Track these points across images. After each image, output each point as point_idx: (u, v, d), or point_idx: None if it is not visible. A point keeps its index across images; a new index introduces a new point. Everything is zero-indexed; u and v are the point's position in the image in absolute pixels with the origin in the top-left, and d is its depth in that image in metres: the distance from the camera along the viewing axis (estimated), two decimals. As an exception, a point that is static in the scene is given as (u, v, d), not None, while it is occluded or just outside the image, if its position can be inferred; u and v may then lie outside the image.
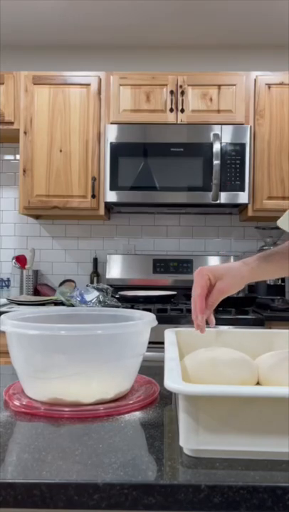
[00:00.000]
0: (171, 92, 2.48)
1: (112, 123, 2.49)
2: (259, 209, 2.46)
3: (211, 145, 2.39)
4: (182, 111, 2.48)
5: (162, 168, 2.41)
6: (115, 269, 2.74)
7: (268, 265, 0.98)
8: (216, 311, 2.17)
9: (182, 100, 2.48)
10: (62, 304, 2.32)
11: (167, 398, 0.88)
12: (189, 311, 2.18)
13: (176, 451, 0.64)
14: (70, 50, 2.90)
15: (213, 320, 0.97)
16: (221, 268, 0.96)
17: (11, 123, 2.55)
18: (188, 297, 2.47)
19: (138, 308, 1.86)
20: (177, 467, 0.59)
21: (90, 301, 2.22)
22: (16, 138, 2.61)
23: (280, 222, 1.02)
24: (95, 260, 2.83)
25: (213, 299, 0.94)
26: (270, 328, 2.07)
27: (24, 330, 0.79)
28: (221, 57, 2.87)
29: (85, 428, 0.73)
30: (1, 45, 2.87)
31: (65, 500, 0.55)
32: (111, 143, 2.43)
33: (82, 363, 0.80)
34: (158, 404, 0.84)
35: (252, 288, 2.64)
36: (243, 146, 2.40)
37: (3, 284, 2.80)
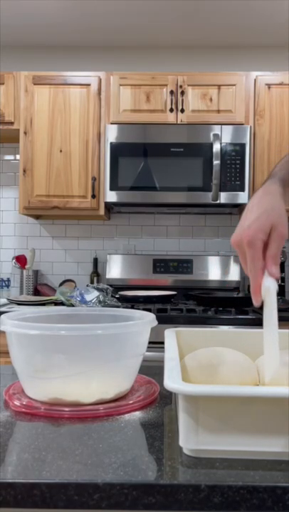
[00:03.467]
0: (171, 92, 2.48)
1: (112, 123, 2.49)
2: (259, 209, 2.45)
3: (211, 145, 2.39)
4: (182, 111, 2.48)
5: (162, 168, 2.41)
6: (115, 269, 2.74)
7: None
8: (216, 312, 2.17)
9: (182, 100, 2.48)
10: (62, 304, 2.32)
11: (167, 398, 0.88)
12: (189, 311, 2.19)
13: (176, 451, 0.64)
14: (70, 50, 2.90)
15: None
16: (267, 217, 0.76)
17: (11, 123, 2.55)
18: (189, 297, 2.48)
19: (138, 308, 1.86)
20: (177, 467, 0.59)
21: (90, 301, 2.22)
22: (16, 138, 2.61)
23: None
24: (95, 260, 2.83)
25: (275, 250, 0.77)
26: (270, 328, 2.06)
27: (24, 330, 0.79)
28: (221, 57, 2.87)
29: (85, 428, 0.73)
30: (1, 45, 2.88)
31: (65, 500, 0.55)
32: (111, 143, 2.43)
33: (82, 363, 0.80)
34: (158, 404, 0.84)
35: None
36: (243, 146, 2.40)
37: (3, 284, 2.80)
